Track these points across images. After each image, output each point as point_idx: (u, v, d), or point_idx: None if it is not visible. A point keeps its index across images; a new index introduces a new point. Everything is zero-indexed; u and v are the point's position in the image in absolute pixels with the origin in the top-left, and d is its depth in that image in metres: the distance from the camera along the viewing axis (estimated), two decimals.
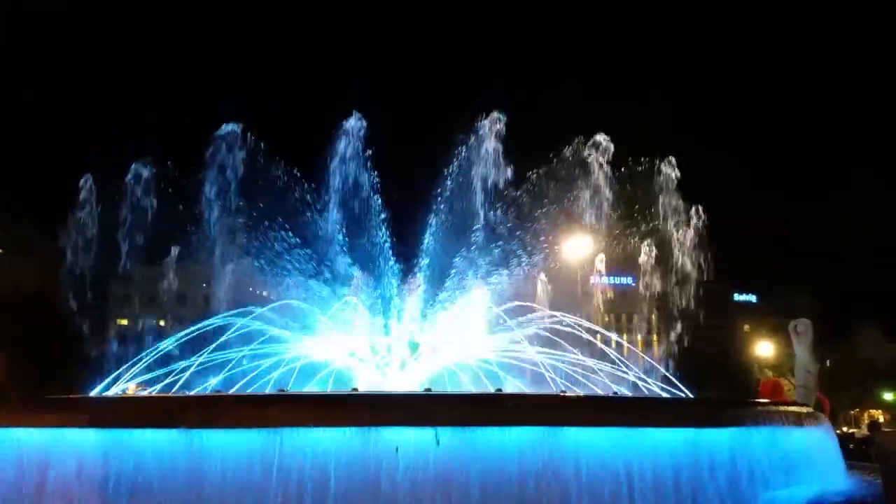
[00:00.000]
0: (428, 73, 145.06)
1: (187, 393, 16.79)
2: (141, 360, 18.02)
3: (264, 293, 25.29)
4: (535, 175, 24.81)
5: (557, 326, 20.16)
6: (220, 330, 19.00)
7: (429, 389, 15.16)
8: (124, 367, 17.78)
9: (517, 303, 21.25)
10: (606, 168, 23.69)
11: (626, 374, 19.03)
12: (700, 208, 23.43)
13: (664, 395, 18.04)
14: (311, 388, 18.52)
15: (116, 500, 9.84)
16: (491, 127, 23.75)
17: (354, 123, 24.11)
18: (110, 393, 17.08)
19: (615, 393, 17.75)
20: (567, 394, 15.58)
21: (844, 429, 71.50)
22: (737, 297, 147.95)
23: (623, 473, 10.05)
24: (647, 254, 25.08)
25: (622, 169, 24.07)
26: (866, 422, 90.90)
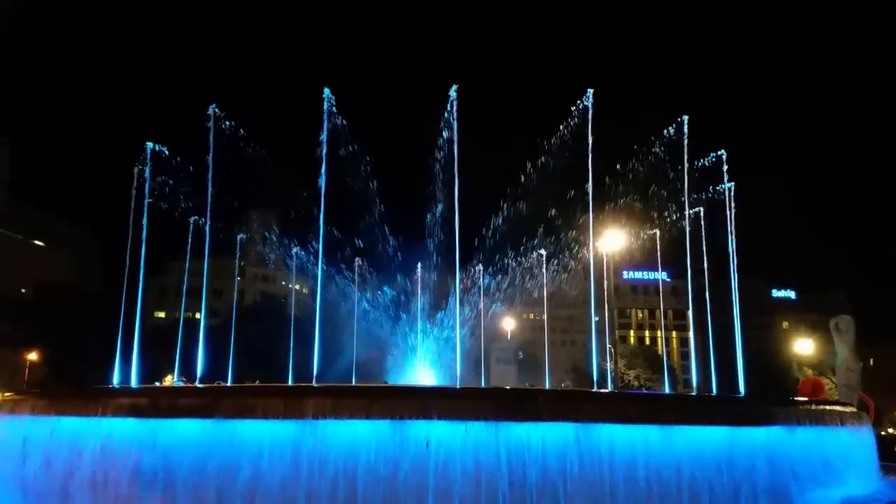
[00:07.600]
0: None
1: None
2: None
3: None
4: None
5: None
6: None
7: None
8: None
9: None
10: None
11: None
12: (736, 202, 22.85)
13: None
14: None
15: (152, 486, 9.95)
16: None
17: None
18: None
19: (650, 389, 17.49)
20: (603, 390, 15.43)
21: (890, 430, 69.66)
22: (775, 293, 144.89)
23: (662, 469, 9.89)
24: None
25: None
26: None
